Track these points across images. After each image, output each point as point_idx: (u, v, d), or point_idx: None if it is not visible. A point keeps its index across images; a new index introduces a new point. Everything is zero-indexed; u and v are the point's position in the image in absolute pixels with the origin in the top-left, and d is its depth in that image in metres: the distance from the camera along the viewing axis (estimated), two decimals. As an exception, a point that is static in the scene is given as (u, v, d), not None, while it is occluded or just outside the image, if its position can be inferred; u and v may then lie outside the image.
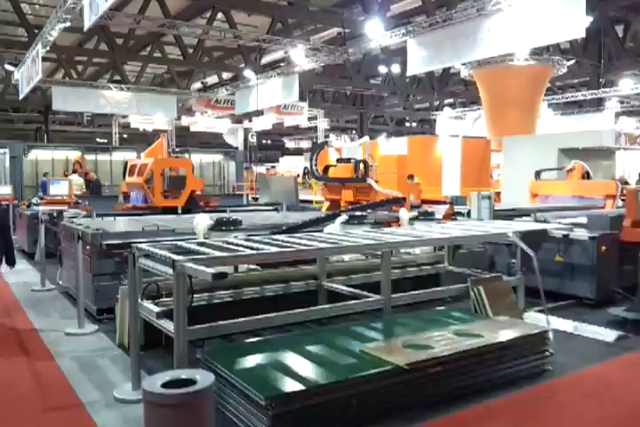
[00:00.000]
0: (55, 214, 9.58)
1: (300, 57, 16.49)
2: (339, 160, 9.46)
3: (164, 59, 23.71)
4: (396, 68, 26.33)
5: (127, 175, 12.41)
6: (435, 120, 41.18)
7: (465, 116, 28.02)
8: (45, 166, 17.41)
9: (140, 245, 4.65)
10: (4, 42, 20.09)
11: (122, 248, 5.95)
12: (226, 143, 35.36)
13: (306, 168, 18.43)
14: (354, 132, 42.75)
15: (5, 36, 20.86)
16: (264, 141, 40.86)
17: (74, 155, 17.66)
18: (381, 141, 10.24)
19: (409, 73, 13.71)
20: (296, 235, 5.56)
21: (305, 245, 4.64)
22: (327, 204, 9.67)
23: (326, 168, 9.57)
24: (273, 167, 24.82)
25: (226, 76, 27.02)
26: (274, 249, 4.33)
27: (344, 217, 6.70)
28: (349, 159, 9.36)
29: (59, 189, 11.11)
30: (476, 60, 17.45)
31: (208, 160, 20.91)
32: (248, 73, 19.88)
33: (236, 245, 4.88)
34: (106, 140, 34.46)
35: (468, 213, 8.80)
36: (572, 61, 19.76)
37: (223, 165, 20.66)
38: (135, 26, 15.40)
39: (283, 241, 4.98)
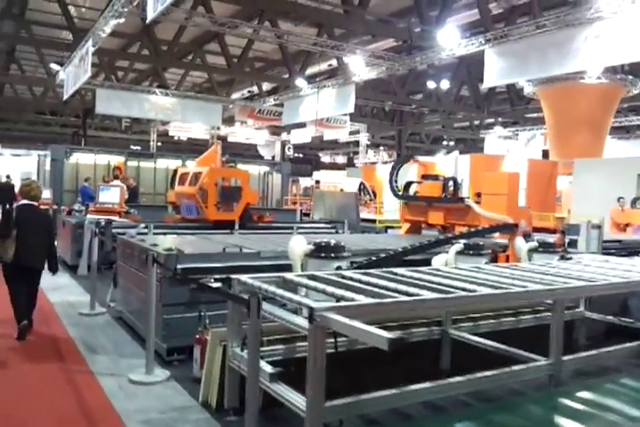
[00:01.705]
0: (103, 224, 8.61)
1: (360, 66, 15.48)
2: (424, 176, 8.32)
3: (207, 66, 23.04)
4: (444, 84, 25.34)
5: (177, 184, 11.47)
6: (472, 140, 40.17)
7: (516, 136, 26.71)
8: (86, 171, 16.57)
9: (242, 278, 3.60)
10: (48, 43, 19.56)
11: (198, 273, 4.93)
12: (258, 155, 34.55)
13: (362, 184, 17.42)
14: (382, 148, 41.78)
15: (49, 37, 20.33)
16: (295, 154, 40.00)
17: (115, 160, 16.81)
18: (439, 159, 9.24)
19: (485, 85, 12.68)
20: (421, 269, 4.46)
21: (454, 287, 3.53)
22: (406, 226, 8.52)
23: (407, 185, 8.44)
24: (317, 182, 23.74)
25: (265, 87, 26.26)
26: (433, 295, 3.21)
27: (460, 245, 5.57)
28: (437, 176, 8.22)
29: (109, 195, 10.15)
30: (542, 78, 16.35)
31: (252, 172, 19.98)
32: (300, 82, 18.95)
33: (355, 280, 3.82)
34: (139, 148, 33.88)
35: (570, 244, 7.65)
36: (646, 81, 18.49)
37: (268, 178, 19.66)
38: (190, 23, 14.46)
39: (414, 278, 3.90)
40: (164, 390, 4.25)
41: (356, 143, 35.86)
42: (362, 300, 2.97)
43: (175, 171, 12.63)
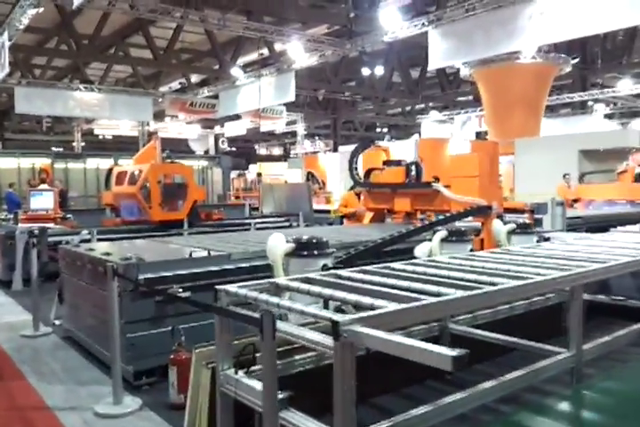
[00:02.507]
0: (37, 232, 7.76)
1: (299, 52, 14.94)
2: (386, 162, 7.93)
3: (133, 59, 21.85)
4: (378, 71, 25.20)
5: (114, 184, 10.64)
6: (404, 126, 40.46)
7: (451, 120, 26.95)
8: (9, 176, 15.24)
9: (230, 288, 3.06)
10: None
11: (163, 283, 4.34)
12: (190, 150, 33.39)
13: (309, 173, 16.85)
14: (317, 138, 41.44)
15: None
16: (228, 148, 39.03)
17: (40, 163, 15.56)
18: (387, 144, 8.96)
19: (430, 67, 12.45)
20: (418, 262, 4.05)
21: (474, 281, 3.14)
22: (369, 215, 8.12)
23: (368, 172, 8.04)
24: (259, 175, 23.04)
25: (194, 80, 25.24)
26: (465, 293, 2.78)
27: (443, 232, 5.19)
28: (399, 161, 7.85)
29: (42, 201, 9.19)
30: (478, 59, 16.34)
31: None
32: (235, 71, 18.18)
33: (357, 280, 3.37)
34: (62, 149, 32.00)
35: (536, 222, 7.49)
36: (576, 60, 18.87)
37: (207, 173, 18.83)
38: (114, 9, 13.42)
39: (418, 273, 3.50)
40: (138, 422, 3.66)
41: (293, 134, 35.36)
42: (387, 306, 2.50)
43: (110, 170, 11.77)
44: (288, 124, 29.29)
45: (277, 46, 20.76)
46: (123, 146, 31.27)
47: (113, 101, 18.70)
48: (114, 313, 3.88)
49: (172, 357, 3.86)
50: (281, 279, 3.38)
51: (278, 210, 12.32)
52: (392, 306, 2.50)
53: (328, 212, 12.80)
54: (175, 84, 26.28)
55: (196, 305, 3.22)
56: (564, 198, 12.74)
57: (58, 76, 24.59)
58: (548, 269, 3.44)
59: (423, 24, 12.05)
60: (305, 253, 4.30)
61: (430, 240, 5.26)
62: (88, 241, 6.91)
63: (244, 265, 4.73)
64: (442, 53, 11.88)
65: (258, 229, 9.38)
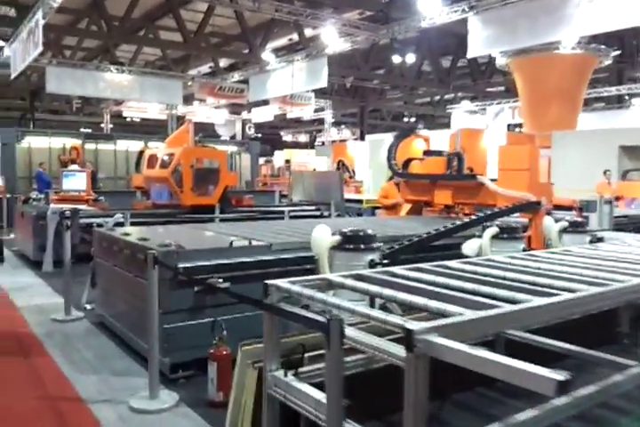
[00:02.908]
0: (68, 214, 7.66)
1: (333, 37, 14.58)
2: (426, 153, 7.65)
3: (163, 41, 21.67)
4: (409, 59, 24.73)
5: (145, 167, 10.50)
6: (431, 116, 39.79)
7: (483, 111, 26.36)
8: (40, 156, 15.22)
9: (282, 284, 2.85)
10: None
11: (203, 272, 4.16)
12: (216, 135, 33.24)
13: (340, 161, 16.47)
14: (342, 126, 40.96)
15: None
16: (255, 134, 38.84)
17: (71, 143, 15.49)
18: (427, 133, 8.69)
19: (469, 55, 12.01)
20: (474, 261, 3.79)
21: (547, 286, 2.88)
22: (406, 206, 7.85)
23: (406, 162, 7.76)
24: (288, 162, 22.80)
25: (222, 64, 25.01)
26: (539, 300, 2.52)
27: (494, 229, 4.92)
28: (440, 152, 7.55)
29: (75, 182, 9.06)
30: (515, 49, 15.82)
31: (219, 152, 18.93)
32: (267, 56, 17.89)
33: (412, 279, 3.13)
34: (90, 131, 32.12)
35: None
36: (617, 52, 18.21)
37: (236, 158, 18.64)
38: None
39: (479, 273, 3.26)
40: (176, 419, 3.49)
41: (319, 121, 35.00)
42: (462, 312, 2.27)
43: (141, 152, 11.67)
44: (315, 111, 28.95)
45: (308, 32, 20.55)
46: (150, 129, 31.25)
47: (143, 83, 18.55)
48: (153, 303, 3.70)
49: (211, 351, 3.68)
50: (333, 276, 3.16)
51: (307, 198, 12.08)
52: (469, 313, 2.26)
53: (359, 202, 12.54)
54: (204, 69, 26.10)
55: (242, 300, 3.00)
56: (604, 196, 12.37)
57: (88, 58, 24.55)
58: (624, 274, 3.17)
59: (464, 10, 11.60)
60: (351, 246, 4.09)
61: (479, 237, 5.00)
62: (121, 224, 6.75)
63: (286, 256, 4.52)
64: (482, 41, 11.43)
65: (291, 217, 9.17)
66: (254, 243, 4.55)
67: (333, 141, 29.60)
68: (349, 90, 31.61)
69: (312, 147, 37.75)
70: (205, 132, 35.43)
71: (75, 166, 13.31)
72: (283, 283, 2.87)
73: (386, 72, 27.05)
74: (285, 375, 2.81)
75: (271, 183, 19.11)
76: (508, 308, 2.38)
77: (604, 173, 12.66)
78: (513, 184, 6.39)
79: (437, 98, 33.91)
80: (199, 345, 4.06)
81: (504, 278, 3.10)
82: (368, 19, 17.28)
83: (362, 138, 31.51)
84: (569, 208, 7.50)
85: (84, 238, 6.65)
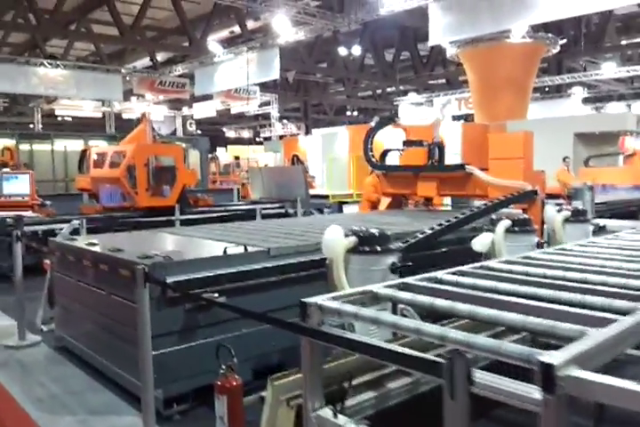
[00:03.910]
0: (11, 222, 6.84)
1: (286, 25, 13.96)
2: (406, 143, 7.20)
3: (99, 35, 20.42)
4: (355, 51, 24.37)
5: (92, 167, 9.64)
6: (373, 109, 39.70)
7: (429, 103, 26.37)
8: (-32, 158, 13.91)
9: (324, 303, 2.30)
10: None
11: (193, 287, 3.55)
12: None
13: (295, 156, 15.85)
14: (284, 121, 40.30)
15: None
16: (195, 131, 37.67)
17: (2, 144, 14.23)
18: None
19: (430, 43, 11.74)
20: (512, 260, 3.34)
21: (624, 287, 2.46)
22: (385, 200, 7.40)
23: (383, 154, 7.30)
24: (237, 158, 21.95)
25: (160, 58, 23.88)
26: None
27: (507, 222, 4.50)
28: (421, 142, 7.12)
29: (17, 186, 8.11)
30: (464, 39, 15.69)
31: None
32: (213, 47, 17.06)
33: (467, 287, 2.65)
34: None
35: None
36: (564, 40, 18.41)
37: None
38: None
39: (531, 274, 2.82)
40: (183, 470, 2.87)
41: (263, 116, 34.21)
42: (588, 331, 1.78)
43: (84, 151, 10.77)
44: (260, 105, 28.20)
45: (250, 24, 19.78)
46: (84, 128, 29.68)
47: (79, 79, 17.35)
48: (145, 328, 3.05)
49: (219, 383, 3.05)
50: (378, 287, 2.61)
51: (268, 195, 11.49)
52: (593, 333, 1.77)
53: (324, 197, 12.01)
54: (139, 64, 24.86)
55: (276, 324, 2.40)
56: (564, 182, 12.34)
57: (14, 54, 22.93)
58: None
59: (423, -4, 11.29)
60: (368, 248, 3.56)
61: (488, 231, 4.58)
62: (77, 232, 5.97)
63: (287, 262, 3.94)
64: (443, 28, 11.15)
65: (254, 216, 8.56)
66: (250, 249, 3.94)
67: (281, 137, 28.92)
68: (292, 84, 31.01)
69: (256, 142, 36.92)
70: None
71: (7, 170, 12.21)
72: (326, 301, 2.31)
73: (329, 65, 26.65)
74: (335, 416, 2.26)
75: (221, 181, 18.30)
76: (629, 320, 1.92)
77: (564, 159, 12.62)
78: (507, 173, 6.04)
79: (379, 91, 33.84)
80: (195, 373, 3.48)
81: (570, 280, 2.66)
82: (322, 7, 16.75)
83: (307, 132, 31.01)
84: (557, 196, 7.24)
85: (31, 248, 5.84)
